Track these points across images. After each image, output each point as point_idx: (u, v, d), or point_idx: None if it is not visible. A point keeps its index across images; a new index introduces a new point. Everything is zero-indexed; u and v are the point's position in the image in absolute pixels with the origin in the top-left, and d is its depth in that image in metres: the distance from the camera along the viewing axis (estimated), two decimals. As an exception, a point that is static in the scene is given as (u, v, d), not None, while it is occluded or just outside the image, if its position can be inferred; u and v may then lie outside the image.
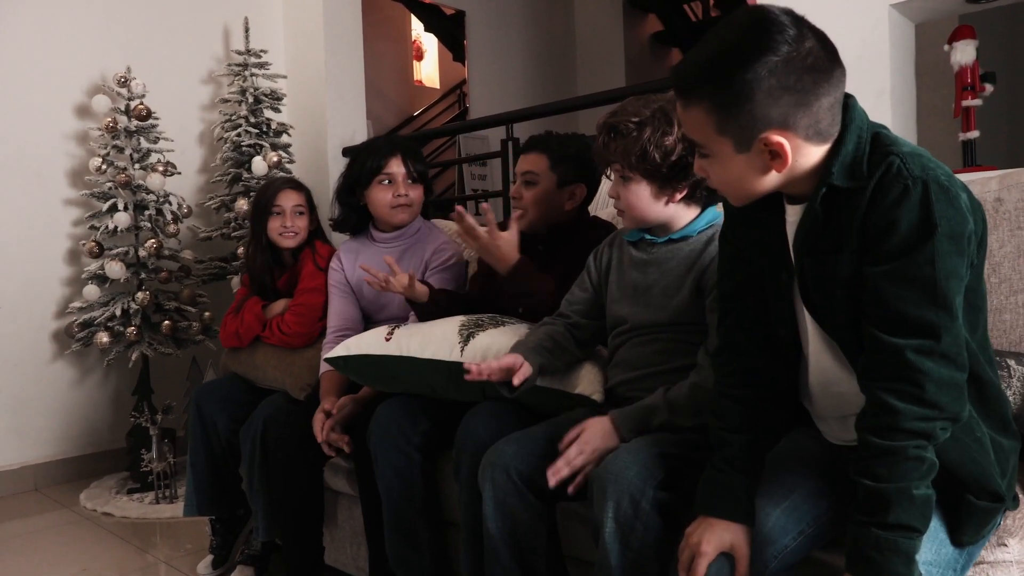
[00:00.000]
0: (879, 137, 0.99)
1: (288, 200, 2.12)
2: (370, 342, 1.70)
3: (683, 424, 1.32)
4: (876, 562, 0.91)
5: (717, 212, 1.44)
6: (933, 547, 0.98)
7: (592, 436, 1.32)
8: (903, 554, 0.91)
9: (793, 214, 1.06)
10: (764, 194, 1.04)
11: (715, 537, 1.05)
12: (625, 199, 1.41)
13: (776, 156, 0.97)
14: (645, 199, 1.40)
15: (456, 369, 1.58)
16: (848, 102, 1.00)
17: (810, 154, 0.98)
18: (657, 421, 1.33)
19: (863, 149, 0.97)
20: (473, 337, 1.60)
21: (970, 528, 1.01)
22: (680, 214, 1.43)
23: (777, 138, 0.95)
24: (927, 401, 0.92)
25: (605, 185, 1.62)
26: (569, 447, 1.31)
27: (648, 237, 1.47)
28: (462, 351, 1.59)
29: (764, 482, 1.10)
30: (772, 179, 1.00)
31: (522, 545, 1.35)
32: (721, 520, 1.06)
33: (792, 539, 1.03)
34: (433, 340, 1.63)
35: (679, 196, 1.40)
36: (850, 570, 0.94)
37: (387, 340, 1.68)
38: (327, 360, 1.76)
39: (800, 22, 0.94)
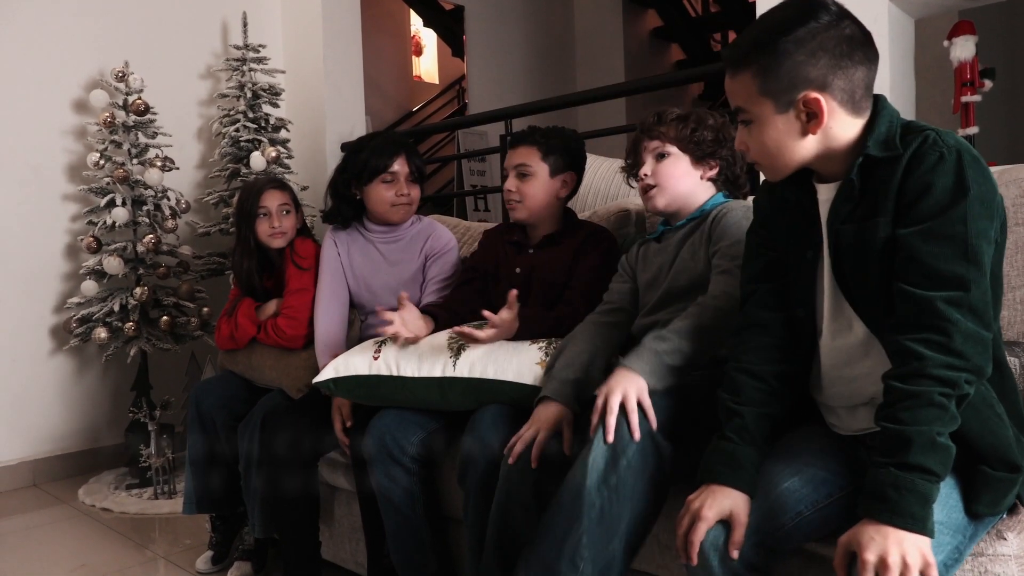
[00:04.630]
0: (911, 123, 1.07)
1: (273, 200, 2.09)
2: (358, 363, 1.67)
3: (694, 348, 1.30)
4: (892, 500, 0.91)
5: (725, 196, 1.60)
6: (944, 510, 0.99)
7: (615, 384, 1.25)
8: (920, 495, 0.91)
9: (825, 192, 1.12)
10: (800, 164, 1.10)
11: (716, 503, 1.05)
12: (661, 173, 1.55)
13: (813, 117, 1.05)
14: (681, 170, 1.55)
15: (448, 384, 1.58)
16: (879, 97, 1.09)
17: (844, 124, 1.06)
18: (666, 347, 1.29)
19: (895, 130, 1.05)
20: (464, 350, 1.58)
21: (986, 499, 1.02)
22: (701, 192, 1.57)
23: (814, 95, 1.04)
24: (954, 350, 0.95)
25: (594, 177, 1.66)
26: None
27: (667, 228, 1.60)
28: (454, 365, 1.57)
29: (779, 457, 1.11)
30: (809, 145, 1.07)
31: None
32: (724, 487, 1.07)
33: (807, 508, 1.05)
34: (423, 356, 1.61)
35: (710, 173, 1.56)
36: (864, 512, 0.93)
37: (375, 359, 1.65)
38: (316, 383, 1.72)
39: (841, 6, 1.05)
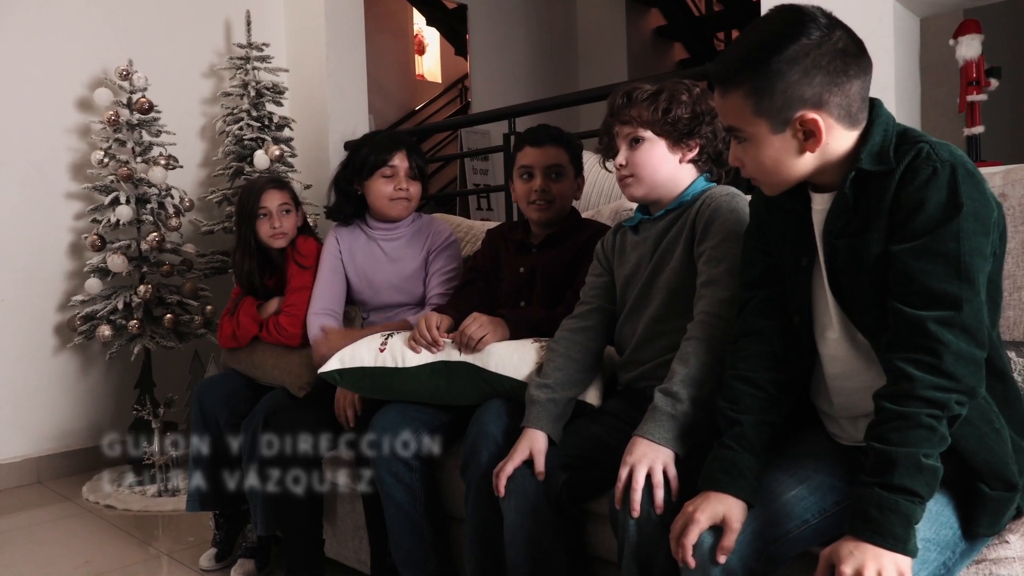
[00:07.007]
0: (907, 131, 1.05)
1: (273, 200, 2.09)
2: (364, 354, 1.67)
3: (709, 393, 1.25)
4: (874, 519, 0.91)
5: (710, 181, 1.50)
6: (933, 527, 0.99)
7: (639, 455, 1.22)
8: (903, 516, 0.91)
9: (820, 202, 1.10)
10: (798, 180, 1.08)
11: (709, 508, 1.05)
12: (636, 161, 1.44)
13: (810, 136, 1.03)
14: (658, 156, 1.44)
15: (455, 368, 1.59)
16: (874, 102, 1.06)
17: (841, 138, 1.04)
18: (683, 409, 1.24)
19: (889, 141, 1.03)
20: None
21: (985, 520, 1.02)
22: (683, 176, 1.47)
23: (812, 115, 1.01)
24: (944, 371, 0.94)
25: (597, 176, 1.62)
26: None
27: (645, 217, 1.51)
28: (459, 353, 1.59)
29: (785, 465, 1.11)
30: (806, 162, 1.05)
31: (538, 558, 1.35)
32: (721, 494, 1.07)
33: (813, 516, 1.05)
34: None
35: (690, 155, 1.46)
36: (849, 530, 0.94)
37: (381, 351, 1.66)
38: (321, 374, 1.73)
39: (829, 16, 1.03)
